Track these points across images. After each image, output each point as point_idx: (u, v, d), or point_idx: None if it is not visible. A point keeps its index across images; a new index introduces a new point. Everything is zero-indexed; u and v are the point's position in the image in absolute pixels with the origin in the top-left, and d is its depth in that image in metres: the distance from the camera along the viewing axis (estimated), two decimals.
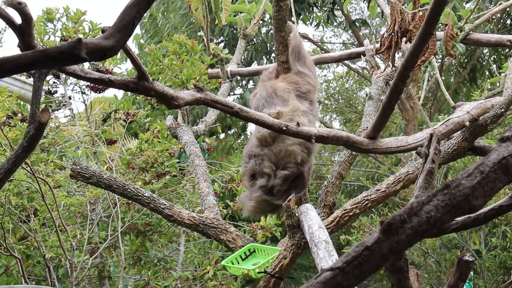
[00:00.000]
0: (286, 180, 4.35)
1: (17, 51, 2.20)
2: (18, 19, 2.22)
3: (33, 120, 2.84)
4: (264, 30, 16.27)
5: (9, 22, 2.18)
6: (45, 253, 6.39)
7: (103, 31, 2.07)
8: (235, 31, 15.60)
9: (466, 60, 17.19)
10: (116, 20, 1.95)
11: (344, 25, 17.70)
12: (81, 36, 7.51)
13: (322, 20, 15.91)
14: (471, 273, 10.24)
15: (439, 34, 5.04)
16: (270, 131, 4.41)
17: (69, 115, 8.72)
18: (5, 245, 6.11)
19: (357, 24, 16.65)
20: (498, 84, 6.40)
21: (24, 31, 2.18)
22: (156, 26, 16.30)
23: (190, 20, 15.55)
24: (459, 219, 2.08)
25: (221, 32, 15.81)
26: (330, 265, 1.49)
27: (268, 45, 16.40)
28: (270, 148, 4.43)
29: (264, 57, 16.66)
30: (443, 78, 16.26)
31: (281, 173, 4.36)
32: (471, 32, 5.37)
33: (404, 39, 4.23)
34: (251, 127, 18.33)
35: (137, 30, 16.26)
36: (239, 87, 16.87)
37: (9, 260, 6.77)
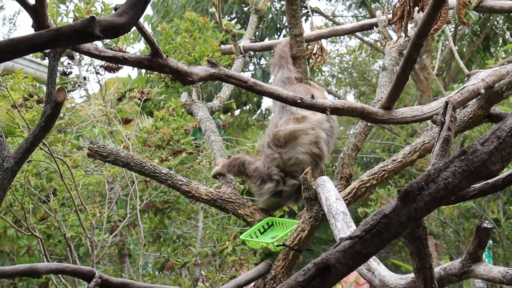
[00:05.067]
0: (295, 187, 4.66)
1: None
2: (31, 0, 2.23)
3: (49, 100, 2.85)
4: (274, 7, 16.21)
5: (23, 2, 2.19)
6: (66, 232, 6.46)
7: (115, 9, 2.07)
8: (245, 8, 15.59)
9: (479, 28, 17.01)
10: None
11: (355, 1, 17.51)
12: None
13: None
14: (490, 241, 10.24)
15: (452, 2, 4.98)
16: (286, 132, 4.53)
17: (84, 96, 8.75)
18: (26, 225, 6.18)
19: (366, 3, 16.45)
20: None
21: (37, 11, 2.19)
22: (167, 6, 16.29)
23: None
24: (476, 185, 2.08)
25: (230, 10, 15.80)
26: (349, 234, 1.50)
27: (278, 23, 16.37)
28: (281, 152, 4.56)
29: (275, 34, 16.60)
30: (456, 47, 16.10)
31: (291, 182, 4.64)
32: None
33: (417, 8, 4.20)
34: (266, 103, 18.30)
35: (149, 11, 16.26)
36: (251, 64, 16.83)
37: (30, 240, 6.86)
